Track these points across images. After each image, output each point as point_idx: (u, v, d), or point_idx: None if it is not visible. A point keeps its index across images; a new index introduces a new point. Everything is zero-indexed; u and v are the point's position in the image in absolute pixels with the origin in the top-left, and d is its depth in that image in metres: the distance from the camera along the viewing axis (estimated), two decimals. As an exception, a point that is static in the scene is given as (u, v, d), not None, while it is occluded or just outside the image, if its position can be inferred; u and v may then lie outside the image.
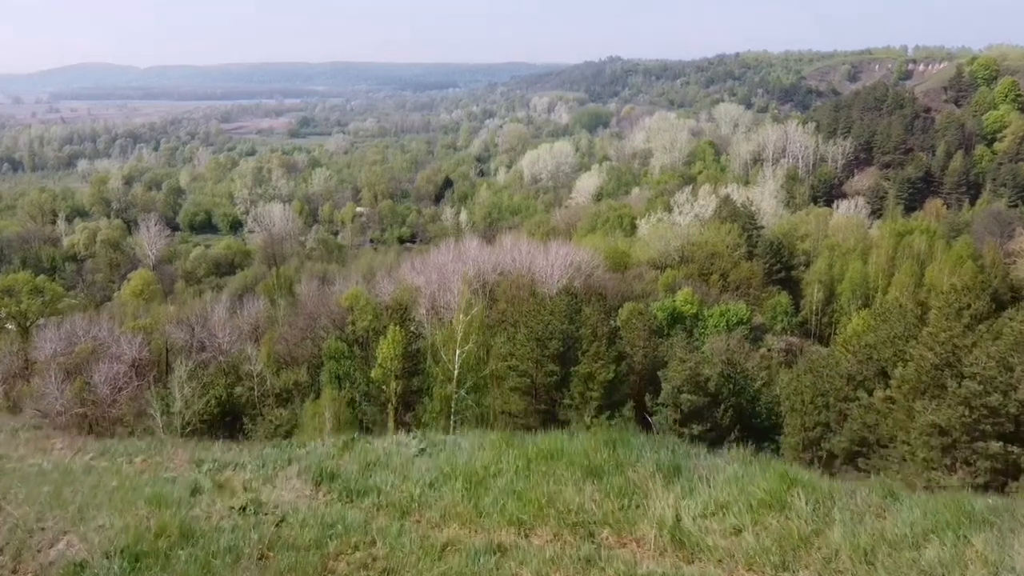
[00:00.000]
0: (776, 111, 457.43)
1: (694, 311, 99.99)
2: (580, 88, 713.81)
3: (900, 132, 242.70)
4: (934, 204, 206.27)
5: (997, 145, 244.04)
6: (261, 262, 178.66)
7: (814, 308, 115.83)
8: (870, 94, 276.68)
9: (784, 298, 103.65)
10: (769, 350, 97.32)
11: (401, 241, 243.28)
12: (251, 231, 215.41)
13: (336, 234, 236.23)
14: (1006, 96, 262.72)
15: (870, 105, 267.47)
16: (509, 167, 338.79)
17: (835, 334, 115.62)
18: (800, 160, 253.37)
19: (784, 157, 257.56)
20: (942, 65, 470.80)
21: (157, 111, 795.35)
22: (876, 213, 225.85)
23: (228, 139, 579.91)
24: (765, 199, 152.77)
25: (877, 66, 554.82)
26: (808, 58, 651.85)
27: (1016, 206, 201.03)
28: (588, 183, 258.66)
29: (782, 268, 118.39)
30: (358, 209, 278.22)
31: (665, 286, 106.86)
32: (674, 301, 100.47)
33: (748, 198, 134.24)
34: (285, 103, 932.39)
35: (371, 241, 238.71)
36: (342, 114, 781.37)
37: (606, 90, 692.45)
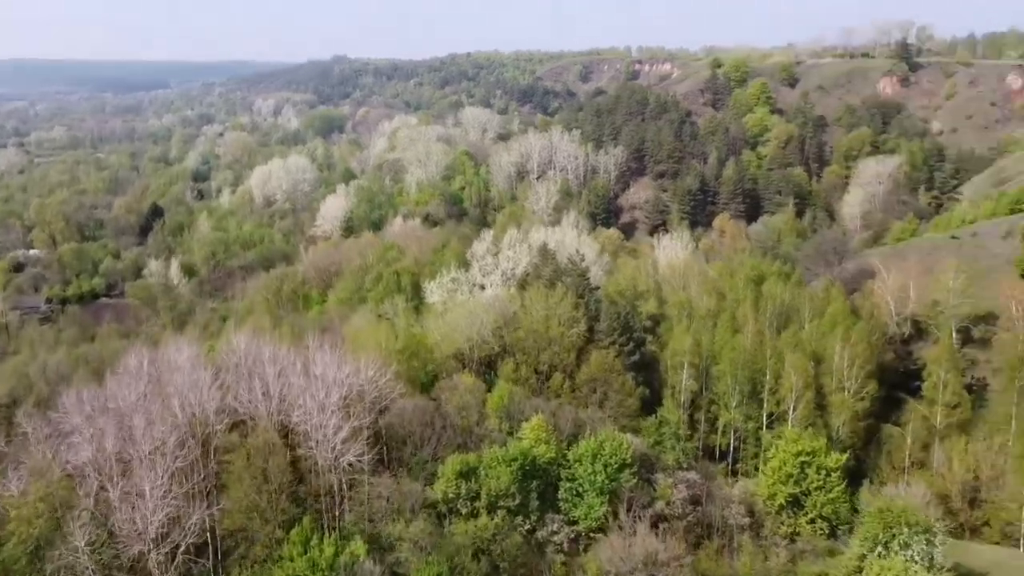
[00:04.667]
0: (517, 111, 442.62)
1: (551, 454, 64.34)
2: (308, 89, 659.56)
3: (671, 139, 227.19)
4: (722, 220, 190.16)
5: (761, 149, 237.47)
6: None
7: (682, 401, 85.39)
8: (632, 97, 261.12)
9: (672, 414, 71.50)
10: (669, 503, 64.38)
11: (94, 296, 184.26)
12: None
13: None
14: (759, 98, 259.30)
15: (633, 109, 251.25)
16: (235, 186, 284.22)
17: (716, 431, 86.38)
18: (570, 171, 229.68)
19: (552, 168, 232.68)
20: (665, 65, 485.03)
21: None
22: (661, 228, 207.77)
23: None
24: (568, 234, 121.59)
25: (606, 66, 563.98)
26: (539, 58, 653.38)
27: (802, 214, 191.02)
28: (335, 206, 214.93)
29: (634, 347, 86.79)
30: (31, 252, 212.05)
31: (498, 408, 70.12)
32: (520, 443, 64.07)
33: (577, 251, 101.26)
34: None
35: (47, 301, 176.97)
36: (23, 120, 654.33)
37: (336, 91, 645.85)
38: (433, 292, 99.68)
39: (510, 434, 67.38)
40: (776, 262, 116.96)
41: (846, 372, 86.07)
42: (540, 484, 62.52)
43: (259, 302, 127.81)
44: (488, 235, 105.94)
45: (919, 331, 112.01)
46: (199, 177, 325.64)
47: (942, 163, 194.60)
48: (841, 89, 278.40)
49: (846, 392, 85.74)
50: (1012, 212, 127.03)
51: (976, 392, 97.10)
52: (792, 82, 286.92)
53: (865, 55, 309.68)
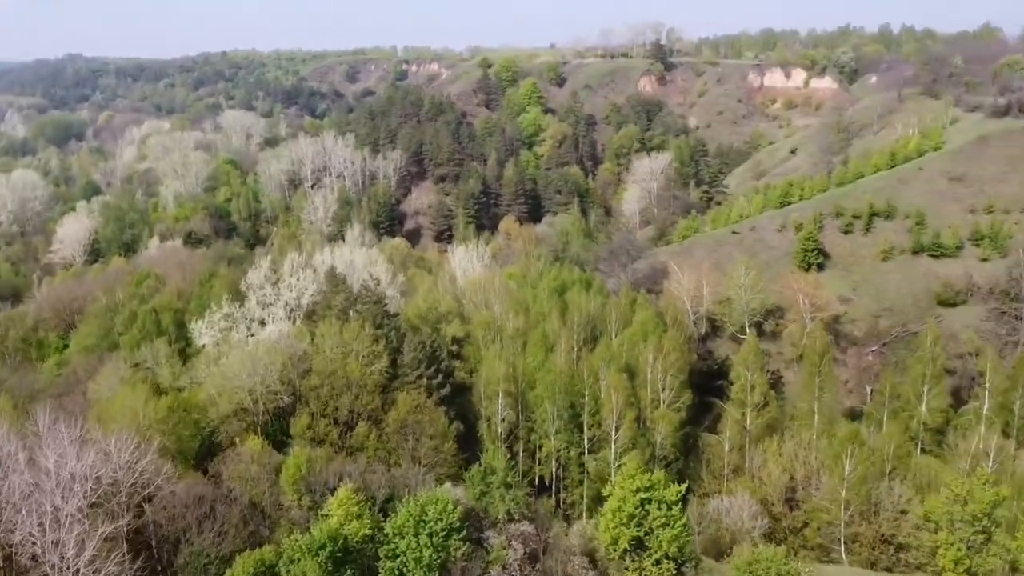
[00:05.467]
0: (283, 114, 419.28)
1: (366, 530, 54.06)
2: (36, 91, 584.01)
3: (449, 141, 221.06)
4: (508, 223, 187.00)
5: (538, 149, 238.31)
6: None
7: (500, 433, 78.17)
8: (405, 99, 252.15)
9: (499, 460, 63.23)
10: (505, 566, 56.44)
11: None
12: None
13: None
14: (530, 98, 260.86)
15: (408, 111, 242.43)
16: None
17: (538, 461, 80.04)
18: (347, 178, 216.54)
19: (327, 175, 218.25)
20: (432, 65, 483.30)
21: None
22: (447, 233, 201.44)
23: None
24: (357, 254, 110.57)
25: (373, 66, 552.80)
26: (301, 57, 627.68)
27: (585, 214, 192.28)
28: (76, 227, 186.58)
29: (444, 379, 78.13)
30: None
31: (295, 480, 58.35)
32: (327, 522, 53.11)
33: (371, 275, 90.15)
34: None
35: None
36: None
37: (71, 94, 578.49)
38: (203, 333, 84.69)
39: (313, 510, 56.13)
40: (575, 268, 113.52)
41: (661, 383, 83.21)
42: (355, 571, 52.05)
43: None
44: (266, 261, 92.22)
45: (715, 328, 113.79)
46: None
47: (706, 158, 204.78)
48: (606, 88, 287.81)
49: (662, 404, 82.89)
50: (782, 205, 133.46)
51: (774, 386, 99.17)
52: (560, 82, 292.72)
53: (624, 55, 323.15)
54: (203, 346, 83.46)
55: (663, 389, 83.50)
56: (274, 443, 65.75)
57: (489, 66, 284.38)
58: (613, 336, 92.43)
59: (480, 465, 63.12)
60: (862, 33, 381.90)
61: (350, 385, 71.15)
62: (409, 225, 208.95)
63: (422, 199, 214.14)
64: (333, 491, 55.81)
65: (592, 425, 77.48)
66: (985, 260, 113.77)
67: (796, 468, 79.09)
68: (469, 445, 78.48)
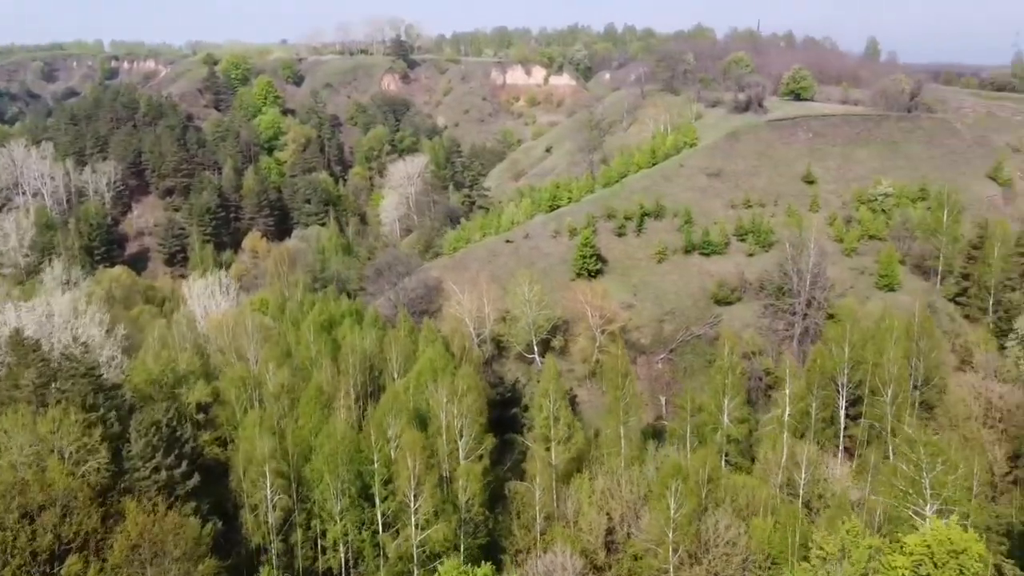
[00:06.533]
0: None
1: None
2: None
3: (174, 149, 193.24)
4: (253, 239, 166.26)
5: (280, 154, 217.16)
6: None
7: (272, 524, 62.21)
8: (116, 100, 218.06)
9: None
10: None
11: None
12: None
13: None
14: (266, 98, 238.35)
15: (121, 115, 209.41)
16: None
17: (323, 550, 64.97)
18: (47, 196, 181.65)
19: (20, 194, 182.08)
20: (148, 62, 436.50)
21: None
22: (180, 255, 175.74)
23: None
24: (59, 302, 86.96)
25: (75, 63, 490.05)
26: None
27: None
28: None
29: (190, 467, 60.33)
30: None
31: None
32: None
33: (75, 338, 67.53)
34: None
35: None
36: None
37: None
38: None
39: None
40: (343, 297, 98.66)
41: (458, 429, 71.66)
42: None
43: None
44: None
45: (500, 349, 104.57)
46: None
47: (462, 159, 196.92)
48: (348, 87, 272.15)
49: (462, 455, 71.42)
50: (552, 209, 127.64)
51: (571, 408, 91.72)
52: (298, 80, 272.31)
53: (363, 52, 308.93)
54: None
55: (461, 436, 72.02)
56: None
57: (215, 63, 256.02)
58: (395, 377, 79.50)
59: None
60: (590, 32, 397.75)
61: (53, 500, 51.63)
62: (132, 248, 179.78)
63: (146, 217, 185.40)
64: None
65: (386, 496, 64.05)
66: (752, 255, 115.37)
67: (612, 506, 71.72)
68: (231, 543, 62.01)
